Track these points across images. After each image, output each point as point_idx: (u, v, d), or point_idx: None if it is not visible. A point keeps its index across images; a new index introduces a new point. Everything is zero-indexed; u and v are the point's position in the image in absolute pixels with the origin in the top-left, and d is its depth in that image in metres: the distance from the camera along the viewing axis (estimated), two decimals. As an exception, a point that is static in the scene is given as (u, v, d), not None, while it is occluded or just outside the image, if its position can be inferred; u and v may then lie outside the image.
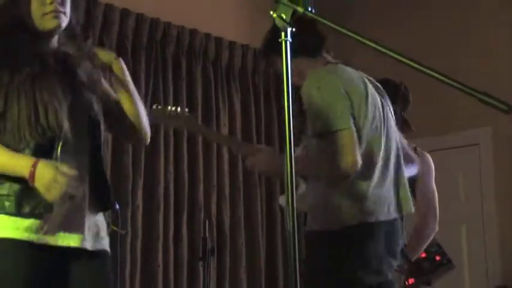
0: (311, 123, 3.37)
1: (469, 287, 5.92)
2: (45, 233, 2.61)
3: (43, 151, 2.61)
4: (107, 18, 5.75)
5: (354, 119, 3.36)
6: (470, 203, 6.66)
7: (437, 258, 4.37)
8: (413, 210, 3.58)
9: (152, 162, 5.90)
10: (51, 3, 2.68)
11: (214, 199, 6.23)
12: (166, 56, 6.16)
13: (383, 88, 4.34)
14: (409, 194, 3.57)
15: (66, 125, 2.63)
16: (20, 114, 2.59)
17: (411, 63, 1.93)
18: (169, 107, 4.20)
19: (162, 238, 5.83)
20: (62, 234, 2.65)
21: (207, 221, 5.04)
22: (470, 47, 6.63)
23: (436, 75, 1.88)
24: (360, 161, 3.28)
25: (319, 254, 3.40)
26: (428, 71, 1.89)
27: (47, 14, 2.69)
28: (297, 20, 2.20)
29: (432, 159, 4.50)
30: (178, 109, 4.16)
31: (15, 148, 2.60)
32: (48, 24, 2.70)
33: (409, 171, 4.07)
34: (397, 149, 3.63)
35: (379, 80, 4.39)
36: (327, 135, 3.31)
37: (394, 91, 4.28)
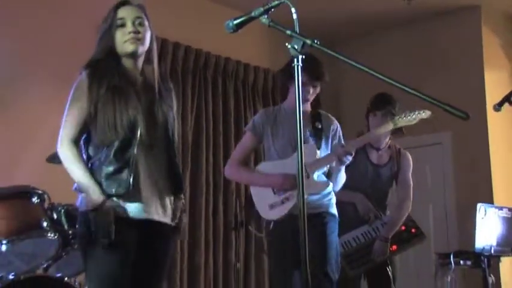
0: None
1: (434, 250, 5.86)
2: (131, 210, 2.63)
3: (124, 148, 2.61)
4: (162, 50, 5.74)
5: None
6: (435, 188, 6.63)
7: (413, 230, 4.35)
8: None
9: (196, 157, 5.90)
10: (129, 33, 2.71)
11: (243, 184, 6.22)
12: (207, 78, 6.16)
13: (376, 99, 4.34)
14: None
15: (140, 128, 2.64)
16: (104, 118, 2.61)
17: (394, 83, 1.91)
18: None
19: (204, 214, 5.83)
20: (145, 210, 2.65)
21: (237, 201, 5.02)
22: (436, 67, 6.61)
23: (414, 92, 1.86)
24: None
25: None
26: (409, 89, 1.87)
27: (126, 41, 2.71)
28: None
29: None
30: None
31: (105, 146, 2.61)
32: (127, 48, 2.72)
33: None
34: None
35: (375, 95, 4.36)
36: None
37: (386, 101, 4.25)
